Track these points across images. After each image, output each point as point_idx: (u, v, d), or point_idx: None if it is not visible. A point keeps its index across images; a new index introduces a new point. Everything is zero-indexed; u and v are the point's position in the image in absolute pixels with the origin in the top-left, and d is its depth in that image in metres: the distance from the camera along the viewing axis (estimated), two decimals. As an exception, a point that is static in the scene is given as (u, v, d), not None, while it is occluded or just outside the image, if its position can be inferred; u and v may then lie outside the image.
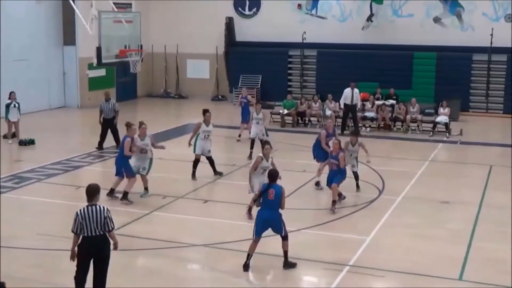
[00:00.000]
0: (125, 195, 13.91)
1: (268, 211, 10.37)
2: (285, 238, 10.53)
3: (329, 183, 14.10)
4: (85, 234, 8.46)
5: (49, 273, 10.31)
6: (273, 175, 10.61)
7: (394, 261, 10.92)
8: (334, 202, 13.66)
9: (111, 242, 8.70)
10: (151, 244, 11.56)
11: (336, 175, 13.97)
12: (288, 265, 10.56)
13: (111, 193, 14.10)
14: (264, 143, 13.07)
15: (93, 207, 8.44)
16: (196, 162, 15.99)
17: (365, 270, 10.45)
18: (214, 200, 14.41)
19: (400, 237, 12.20)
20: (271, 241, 11.79)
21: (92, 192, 8.53)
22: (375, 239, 12.01)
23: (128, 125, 14.19)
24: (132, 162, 14.10)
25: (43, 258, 10.93)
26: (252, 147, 18.07)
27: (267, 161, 12.66)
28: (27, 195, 14.77)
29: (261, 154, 12.73)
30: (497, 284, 10.05)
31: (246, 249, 11.36)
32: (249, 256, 10.49)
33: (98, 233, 8.44)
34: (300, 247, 11.60)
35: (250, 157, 17.65)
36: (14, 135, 20.36)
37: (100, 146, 19.35)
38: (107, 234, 8.52)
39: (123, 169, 14.02)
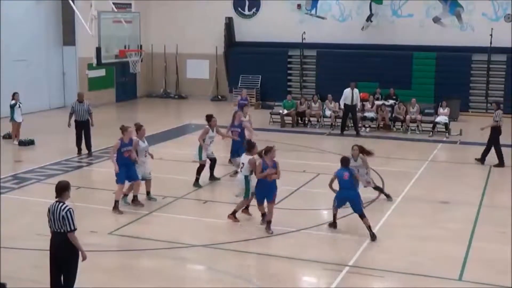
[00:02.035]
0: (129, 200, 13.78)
1: (345, 191, 12.07)
2: (363, 216, 11.96)
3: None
4: (51, 229, 8.56)
5: (49, 274, 10.29)
6: (346, 161, 12.32)
7: (393, 261, 10.92)
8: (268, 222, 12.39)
9: (77, 247, 8.50)
10: (151, 245, 11.56)
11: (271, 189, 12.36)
12: (373, 236, 11.78)
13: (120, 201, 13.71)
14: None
15: (58, 203, 8.46)
16: (201, 168, 15.49)
17: (365, 271, 10.45)
18: (214, 201, 14.40)
19: (399, 237, 12.20)
20: (271, 241, 11.82)
21: (59, 189, 8.56)
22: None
23: (124, 129, 13.56)
24: (139, 168, 13.63)
25: (43, 258, 10.88)
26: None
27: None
28: (27, 196, 14.77)
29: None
30: (497, 284, 10.05)
31: (246, 249, 11.40)
32: (335, 216, 12.37)
33: (57, 230, 8.45)
34: (300, 247, 11.62)
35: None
36: (15, 135, 20.36)
37: (79, 151, 18.67)
38: (68, 235, 8.41)
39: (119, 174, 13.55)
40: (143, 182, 13.97)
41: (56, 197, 8.55)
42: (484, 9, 27.59)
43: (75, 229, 8.43)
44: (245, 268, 10.94)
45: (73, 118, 18.70)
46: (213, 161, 15.82)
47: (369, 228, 11.85)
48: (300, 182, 15.65)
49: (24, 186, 15.58)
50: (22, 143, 20.03)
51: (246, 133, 16.33)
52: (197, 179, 15.44)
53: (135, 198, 13.78)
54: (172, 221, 13.08)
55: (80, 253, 8.56)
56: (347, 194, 12.05)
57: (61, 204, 8.45)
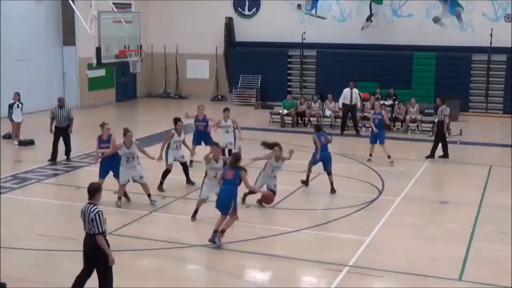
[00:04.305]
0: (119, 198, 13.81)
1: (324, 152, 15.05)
2: (330, 173, 15.04)
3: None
4: (84, 230, 8.61)
5: (49, 274, 10.31)
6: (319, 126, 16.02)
7: (393, 261, 10.92)
8: None
9: (104, 250, 8.55)
10: (151, 245, 11.56)
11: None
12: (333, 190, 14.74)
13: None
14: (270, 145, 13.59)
15: (88, 205, 8.53)
16: (167, 172, 15.15)
17: (365, 271, 10.45)
18: (213, 201, 14.37)
19: (400, 237, 12.21)
20: (271, 241, 11.82)
21: (91, 190, 8.63)
22: (375, 239, 12.02)
23: (102, 125, 14.08)
24: (122, 171, 13.61)
25: (43, 258, 10.93)
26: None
27: (277, 161, 13.66)
28: (26, 196, 14.77)
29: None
30: (497, 284, 10.05)
31: (246, 249, 11.40)
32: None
33: (88, 232, 8.52)
34: (300, 247, 11.62)
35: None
36: (15, 135, 20.37)
37: (53, 158, 17.86)
38: (96, 237, 8.45)
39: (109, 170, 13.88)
40: (133, 184, 13.99)
41: (88, 198, 8.59)
42: (484, 9, 27.60)
43: (103, 232, 8.45)
44: (245, 268, 10.94)
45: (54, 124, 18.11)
46: (184, 166, 15.56)
47: (331, 183, 14.81)
48: (299, 182, 15.63)
49: (24, 186, 15.57)
50: (22, 143, 20.04)
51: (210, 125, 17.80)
52: (161, 183, 15.06)
53: (118, 199, 13.82)
54: (172, 221, 13.09)
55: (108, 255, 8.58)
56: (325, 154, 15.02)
57: (91, 206, 8.50)
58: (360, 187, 15.58)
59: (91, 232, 8.45)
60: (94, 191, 8.62)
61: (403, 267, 10.63)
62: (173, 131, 15.37)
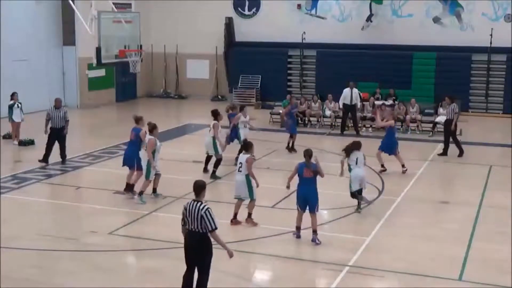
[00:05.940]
0: (141, 193, 14.05)
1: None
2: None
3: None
4: (187, 227, 8.63)
5: (49, 274, 10.31)
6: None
7: (394, 261, 10.92)
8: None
9: (221, 245, 8.67)
10: (151, 244, 11.56)
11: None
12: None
13: (129, 189, 14.29)
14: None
15: (195, 203, 8.56)
16: (219, 162, 16.29)
17: (365, 271, 10.45)
18: (214, 201, 14.36)
19: (400, 237, 12.21)
20: (271, 241, 11.82)
21: (197, 188, 8.67)
22: (375, 239, 12.02)
23: (140, 118, 14.42)
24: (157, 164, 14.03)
25: (43, 258, 10.93)
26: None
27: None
28: (26, 196, 14.76)
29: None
30: (497, 284, 10.06)
31: (246, 249, 11.39)
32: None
33: (195, 229, 8.50)
34: (300, 247, 11.62)
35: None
36: (14, 136, 20.38)
37: (45, 159, 17.42)
38: (209, 234, 8.48)
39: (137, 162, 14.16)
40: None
41: (194, 196, 8.63)
42: (484, 9, 27.60)
43: (216, 228, 8.46)
44: (245, 268, 10.94)
45: (49, 125, 17.62)
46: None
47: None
48: (300, 182, 15.61)
49: (24, 186, 15.57)
50: (22, 143, 20.04)
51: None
52: (214, 172, 16.16)
53: (132, 188, 14.25)
54: (172, 221, 13.00)
55: (226, 251, 8.70)
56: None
57: (199, 203, 8.51)
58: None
59: (198, 230, 8.44)
60: (200, 188, 8.64)
61: (403, 267, 10.64)
62: (216, 122, 16.33)
